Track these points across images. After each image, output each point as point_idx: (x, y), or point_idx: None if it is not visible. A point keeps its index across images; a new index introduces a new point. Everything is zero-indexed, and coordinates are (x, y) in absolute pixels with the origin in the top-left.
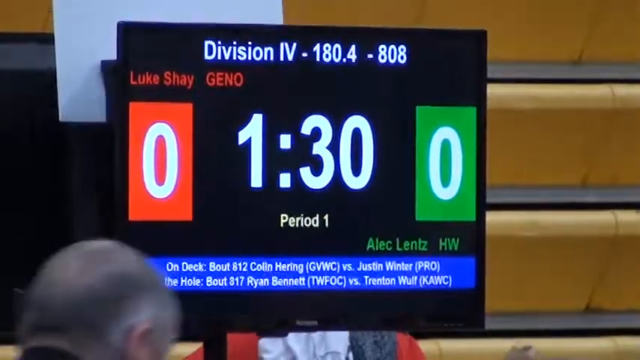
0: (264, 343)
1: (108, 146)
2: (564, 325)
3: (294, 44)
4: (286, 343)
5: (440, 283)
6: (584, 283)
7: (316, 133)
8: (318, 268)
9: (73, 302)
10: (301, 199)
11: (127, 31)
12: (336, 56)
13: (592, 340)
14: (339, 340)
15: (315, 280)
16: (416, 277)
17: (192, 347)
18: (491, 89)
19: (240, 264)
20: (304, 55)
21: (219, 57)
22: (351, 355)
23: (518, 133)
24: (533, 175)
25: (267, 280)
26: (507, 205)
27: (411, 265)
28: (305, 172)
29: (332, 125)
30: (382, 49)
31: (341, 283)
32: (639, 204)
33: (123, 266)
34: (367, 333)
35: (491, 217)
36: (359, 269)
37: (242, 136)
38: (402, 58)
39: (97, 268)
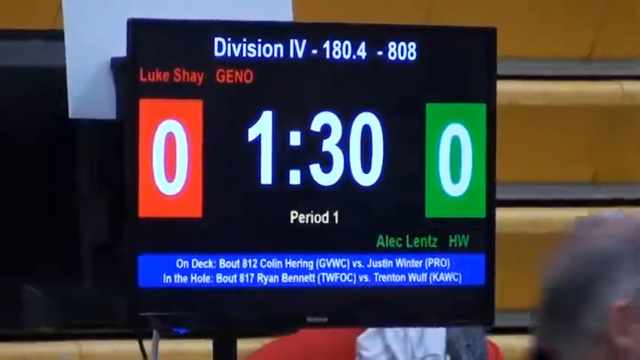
0: (363, 339)
1: (117, 143)
2: None
3: (304, 41)
4: (385, 341)
5: (450, 279)
6: None
7: (326, 130)
8: (328, 265)
9: (549, 294)
10: (311, 195)
11: (137, 28)
12: (346, 53)
13: None
14: (436, 342)
15: (325, 276)
16: (426, 274)
17: (201, 345)
18: (501, 86)
19: (250, 261)
20: (314, 51)
21: (228, 54)
22: (448, 358)
23: (527, 129)
24: (543, 172)
25: (277, 276)
26: (517, 202)
27: (420, 261)
28: (315, 169)
29: (342, 122)
30: (392, 46)
31: (351, 280)
32: None
33: (598, 244)
34: (460, 336)
35: (501, 214)
36: (369, 266)
37: (252, 133)
38: (411, 55)
39: (567, 253)
